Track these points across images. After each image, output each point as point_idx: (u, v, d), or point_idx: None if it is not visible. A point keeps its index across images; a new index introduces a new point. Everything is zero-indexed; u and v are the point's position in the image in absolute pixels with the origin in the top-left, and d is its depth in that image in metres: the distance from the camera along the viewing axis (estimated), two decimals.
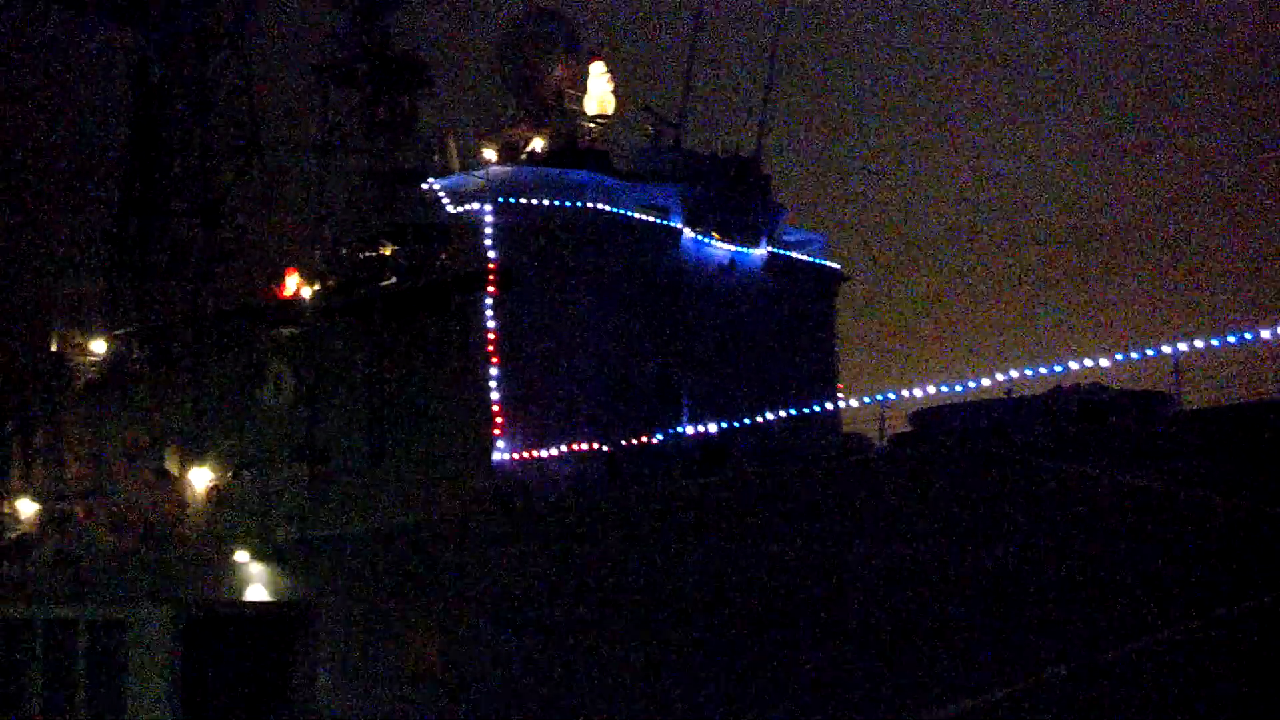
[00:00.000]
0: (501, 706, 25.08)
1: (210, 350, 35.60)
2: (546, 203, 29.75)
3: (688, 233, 31.70)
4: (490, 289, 28.65)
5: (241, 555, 29.96)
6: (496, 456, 27.82)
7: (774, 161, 35.49)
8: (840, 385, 34.93)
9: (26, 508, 39.07)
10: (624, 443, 26.58)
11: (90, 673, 23.18)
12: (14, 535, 38.90)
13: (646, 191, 31.84)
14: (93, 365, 39.34)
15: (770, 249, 33.44)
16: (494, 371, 28.29)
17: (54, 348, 41.38)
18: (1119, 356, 19.24)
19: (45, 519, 38.37)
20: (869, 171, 78.27)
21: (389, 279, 31.12)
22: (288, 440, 32.05)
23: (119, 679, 22.75)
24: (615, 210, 30.57)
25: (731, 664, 22.75)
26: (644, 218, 31.12)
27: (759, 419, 25.38)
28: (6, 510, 39.71)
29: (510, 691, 25.11)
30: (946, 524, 20.62)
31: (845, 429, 27.58)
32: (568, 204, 29.87)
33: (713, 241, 32.17)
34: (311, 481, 31.27)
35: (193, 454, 34.63)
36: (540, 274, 29.25)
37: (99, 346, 39.45)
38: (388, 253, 31.70)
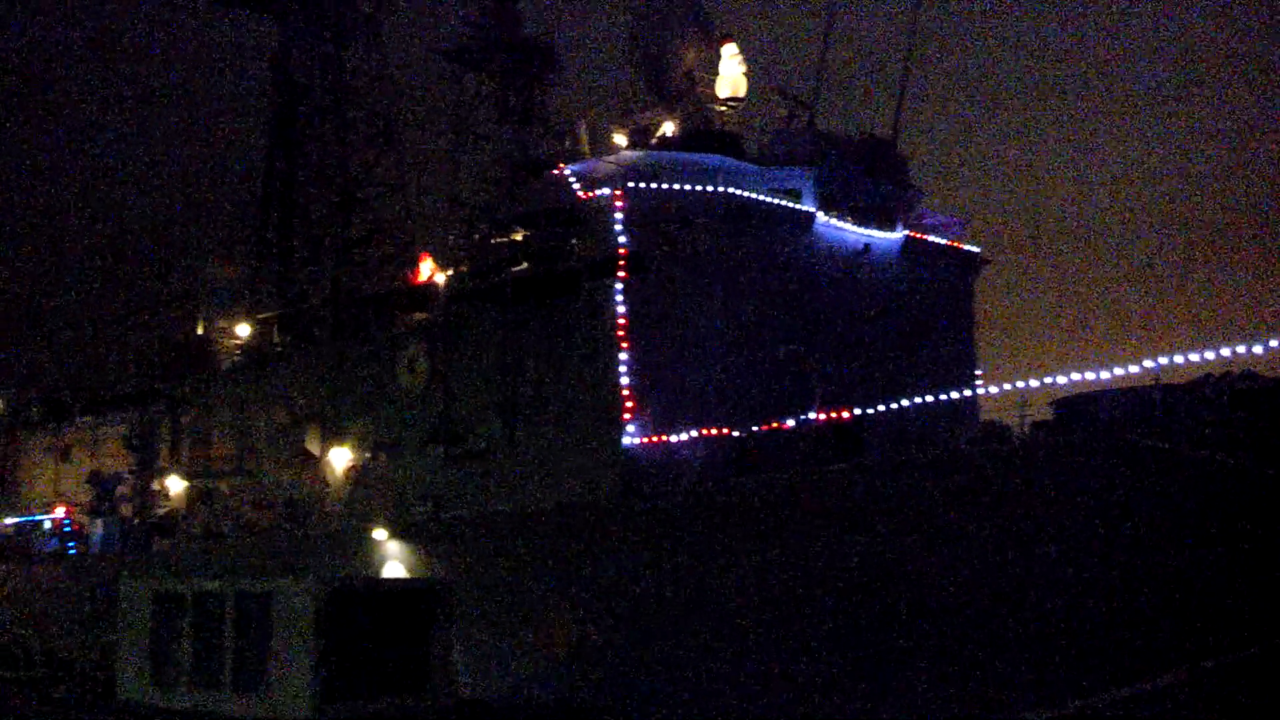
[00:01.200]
0: (631, 687, 25.29)
1: (348, 334, 36.41)
2: (677, 187, 29.75)
3: (821, 216, 31.42)
4: (621, 274, 28.78)
5: (379, 533, 30.59)
6: (626, 441, 27.98)
7: (911, 142, 34.98)
8: (979, 371, 34.36)
9: (176, 485, 40.39)
10: (754, 428, 26.57)
11: (236, 642, 23.88)
12: (164, 511, 40.24)
13: (778, 175, 31.66)
14: (237, 348, 40.52)
15: (906, 232, 33.00)
16: (624, 356, 28.42)
17: (200, 331, 42.78)
18: (1274, 343, 18.57)
19: (193, 496, 39.60)
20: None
21: (521, 264, 31.43)
22: (423, 423, 32.66)
23: (263, 648, 23.39)
24: (747, 194, 30.43)
25: (859, 655, 22.64)
26: (776, 202, 30.94)
27: (893, 405, 25.13)
28: (157, 487, 41.13)
29: (640, 673, 25.31)
30: (1091, 515, 20.25)
31: (984, 416, 27.17)
32: (699, 188, 29.83)
33: (847, 225, 31.87)
34: (446, 463, 31.82)
35: (332, 435, 35.45)
36: (671, 259, 29.28)
37: (243, 330, 40.62)
38: (519, 238, 32.01)
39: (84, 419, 46.17)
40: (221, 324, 41.46)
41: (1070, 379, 21.37)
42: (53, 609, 37.60)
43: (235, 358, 40.34)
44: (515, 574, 27.56)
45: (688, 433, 27.24)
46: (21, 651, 35.37)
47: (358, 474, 34.49)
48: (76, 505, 42.50)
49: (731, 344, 29.59)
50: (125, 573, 31.36)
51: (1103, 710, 19.75)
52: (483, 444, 31.10)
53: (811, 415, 26.60)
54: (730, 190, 30.17)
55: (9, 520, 44.52)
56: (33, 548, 41.58)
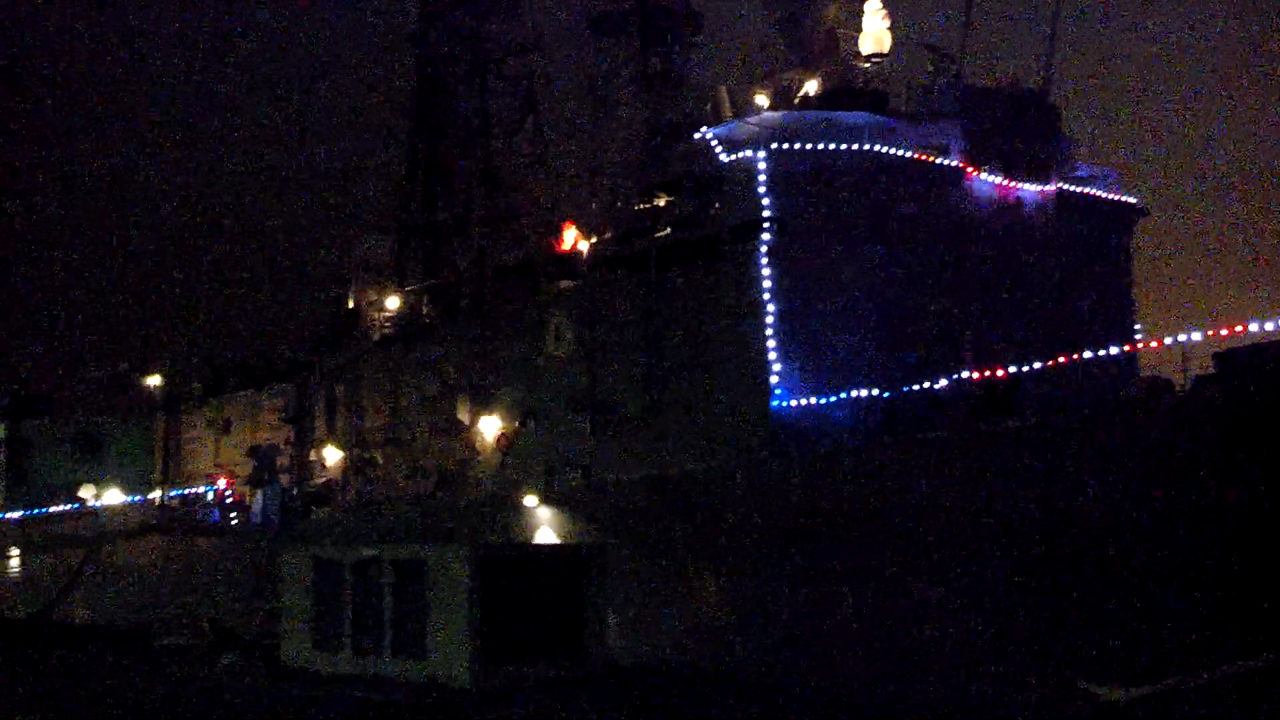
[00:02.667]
0: (782, 651, 25.10)
1: (495, 304, 36.74)
2: (821, 147, 29.32)
3: (971, 171, 30.68)
4: (766, 236, 28.49)
5: (530, 500, 30.87)
6: (774, 404, 27.74)
7: (1062, 93, 33.89)
8: (1138, 326, 33.24)
9: (332, 455, 41.32)
10: (904, 389, 26.11)
11: (394, 607, 24.23)
12: (322, 481, 41.23)
13: (926, 130, 30.99)
14: (387, 321, 41.21)
15: (1060, 185, 32.02)
16: (770, 319, 28.16)
17: (351, 305, 43.62)
18: None
19: (348, 466, 40.48)
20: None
21: (664, 230, 31.32)
22: (569, 390, 32.84)
23: (419, 613, 23.68)
24: (893, 151, 29.86)
25: (1020, 620, 22.11)
26: (924, 158, 30.30)
27: (1049, 362, 24.44)
28: (314, 458, 42.15)
29: (792, 636, 25.10)
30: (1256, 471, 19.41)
31: (1144, 372, 26.26)
32: (844, 147, 29.34)
33: (997, 179, 31.03)
34: (593, 429, 31.95)
35: (481, 404, 35.86)
36: (816, 219, 28.88)
37: (392, 303, 41.29)
38: (662, 204, 31.91)
39: (242, 393, 47.57)
40: (371, 298, 42.21)
41: (1233, 332, 20.53)
42: (217, 578, 38.80)
43: (386, 330, 41.04)
44: (665, 538, 27.54)
45: (836, 394, 26.87)
46: (189, 620, 36.56)
47: (508, 442, 34.83)
48: (237, 477, 43.78)
49: (880, 303, 29.09)
50: (286, 542, 32.17)
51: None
52: (629, 410, 31.14)
53: (963, 374, 26.04)
54: (876, 148, 29.62)
55: (174, 492, 46.04)
56: (196, 519, 42.94)
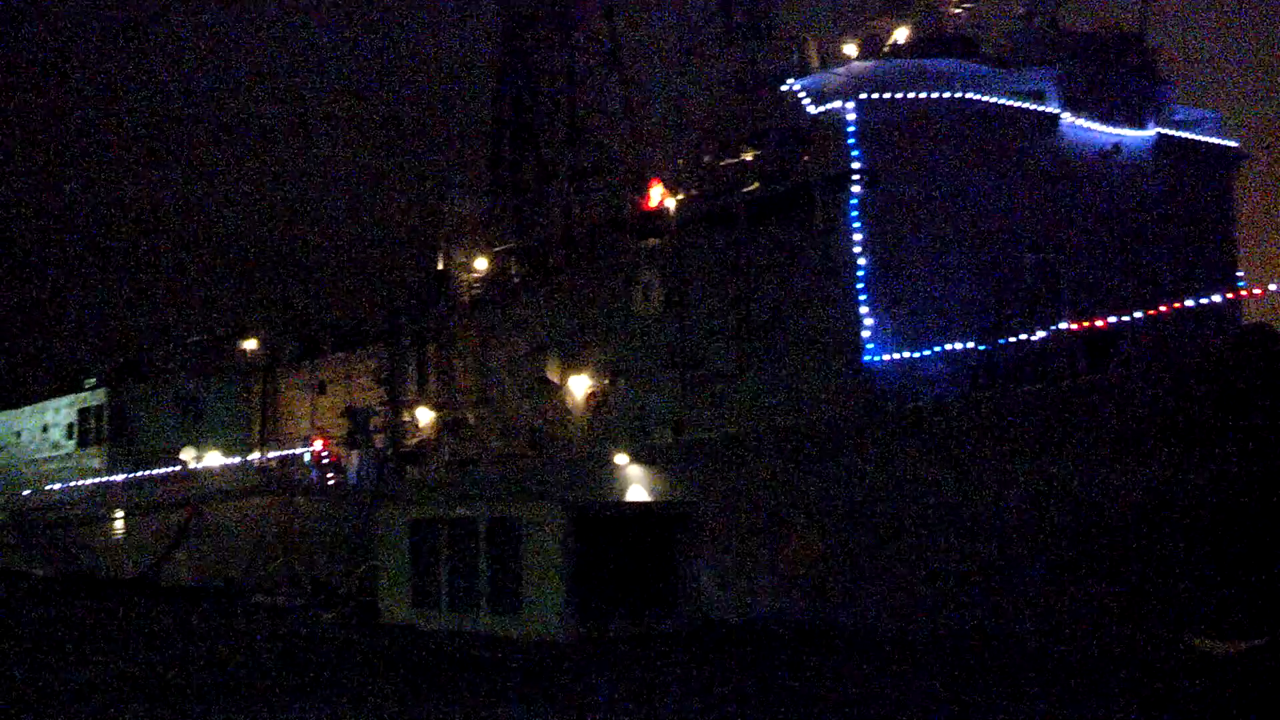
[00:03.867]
0: (878, 605, 24.95)
1: (583, 263, 36.74)
2: (912, 96, 28.80)
3: (1066, 117, 29.98)
4: (856, 189, 28.12)
5: (621, 458, 30.94)
6: (866, 359, 27.47)
7: (1160, 34, 32.96)
8: (1240, 273, 32.37)
9: (424, 416, 41.74)
10: (1001, 341, 25.70)
11: (489, 564, 24.50)
12: (415, 441, 41.68)
13: (1019, 76, 30.33)
14: (476, 281, 41.41)
15: (1158, 130, 31.19)
16: (862, 272, 27.83)
17: (441, 266, 43.90)
18: None
19: (441, 426, 40.86)
20: None
21: (751, 184, 31.04)
22: (659, 347, 32.79)
23: (514, 571, 23.94)
24: (985, 98, 29.28)
25: (1117, 580, 21.72)
26: (1017, 104, 29.68)
27: (1148, 312, 23.88)
28: (407, 418, 42.60)
29: (887, 591, 24.93)
30: None
31: (1247, 320, 25.54)
32: (934, 95, 28.81)
33: (1094, 125, 30.31)
34: (684, 387, 31.90)
35: (571, 362, 35.96)
36: (908, 170, 28.45)
37: (481, 263, 41.47)
38: (749, 158, 31.58)
39: (336, 355, 48.19)
40: (461, 258, 42.42)
41: None
42: (316, 537, 39.46)
43: (475, 290, 41.25)
44: (757, 495, 27.47)
45: (930, 347, 26.53)
46: (290, 578, 37.30)
47: (597, 400, 34.92)
48: (333, 438, 44.40)
49: (975, 254, 28.63)
50: (383, 502, 32.59)
51: None
52: (719, 366, 31.04)
53: (1061, 325, 25.55)
54: (968, 95, 29.08)
55: (272, 454, 46.84)
56: (294, 480, 43.66)
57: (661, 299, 33.03)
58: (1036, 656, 20.26)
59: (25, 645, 24.53)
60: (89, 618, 31.22)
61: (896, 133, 28.57)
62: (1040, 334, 25.15)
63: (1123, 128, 30.64)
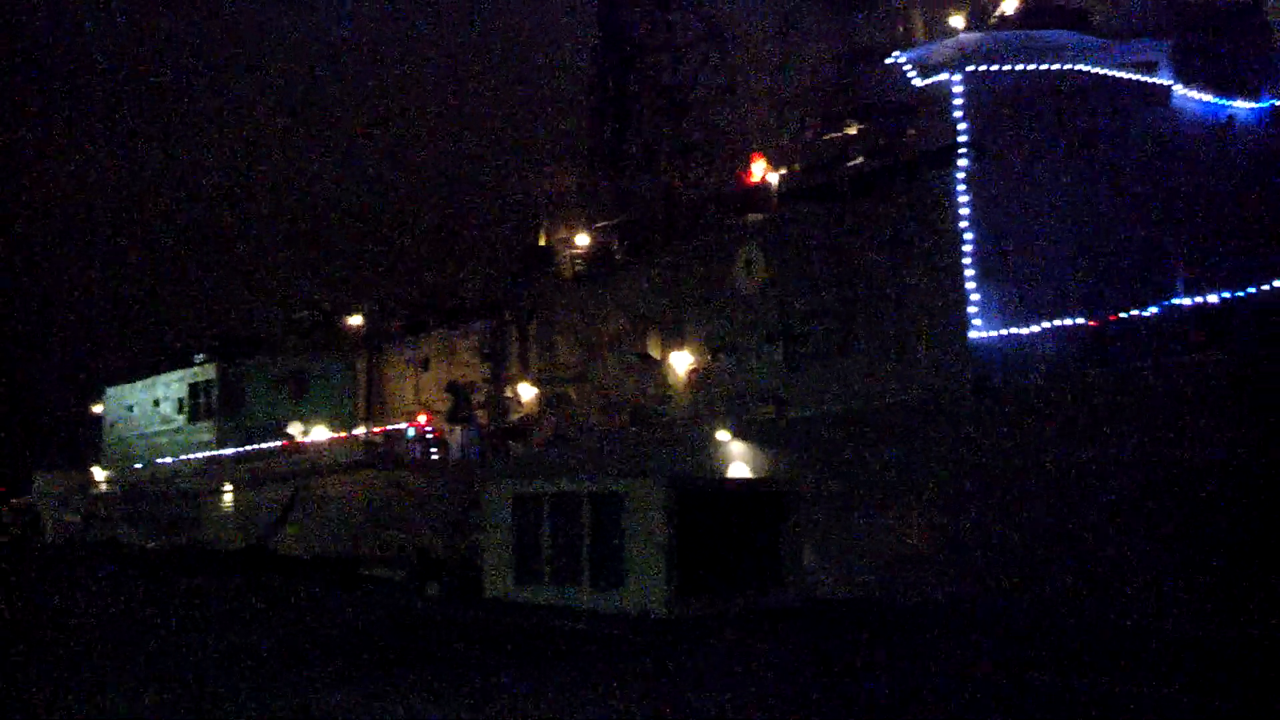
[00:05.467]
0: (980, 585, 24.68)
1: (684, 239, 36.70)
2: (1020, 68, 28.32)
3: (1178, 89, 29.27)
4: (963, 162, 27.73)
5: (722, 434, 30.91)
6: (973, 335, 27.11)
7: (1276, 4, 31.97)
8: None
9: (526, 391, 42.05)
10: (1110, 317, 25.21)
11: (591, 540, 24.61)
12: (517, 417, 42.01)
13: (1130, 47, 29.67)
14: (577, 257, 41.56)
15: (1273, 100, 30.32)
16: (968, 248, 27.46)
17: (542, 242, 44.13)
18: None
19: (543, 402, 41.13)
20: None
21: (855, 159, 30.75)
22: (761, 323, 32.67)
23: (616, 546, 24.01)
24: (1095, 70, 28.68)
25: (1226, 550, 21.25)
26: (1128, 76, 29.04)
27: (1264, 287, 23.28)
28: (509, 394, 42.95)
29: (989, 571, 24.64)
30: None
31: None
32: (1043, 67, 28.30)
33: (1207, 97, 29.54)
34: (786, 363, 31.76)
35: (672, 338, 35.97)
36: (1016, 143, 27.98)
37: (582, 239, 41.61)
38: (853, 132, 31.29)
39: (439, 331, 48.71)
40: (562, 234, 42.60)
41: None
42: (420, 511, 39.99)
43: (576, 266, 41.40)
44: (862, 472, 27.29)
45: (1038, 323, 26.10)
46: (395, 551, 37.84)
47: (699, 376, 34.91)
48: (436, 413, 44.91)
49: (1084, 229, 28.08)
50: (486, 477, 32.91)
51: None
52: (821, 342, 30.84)
53: (1172, 301, 24.99)
54: (1077, 67, 28.50)
55: (377, 429, 47.51)
56: (399, 454, 44.23)
57: (763, 275, 32.90)
58: (1142, 636, 19.91)
59: (138, 618, 25.20)
60: (199, 590, 31.98)
61: (1004, 105, 28.12)
62: (1151, 310, 24.62)
63: (1236, 99, 29.87)
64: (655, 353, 36.45)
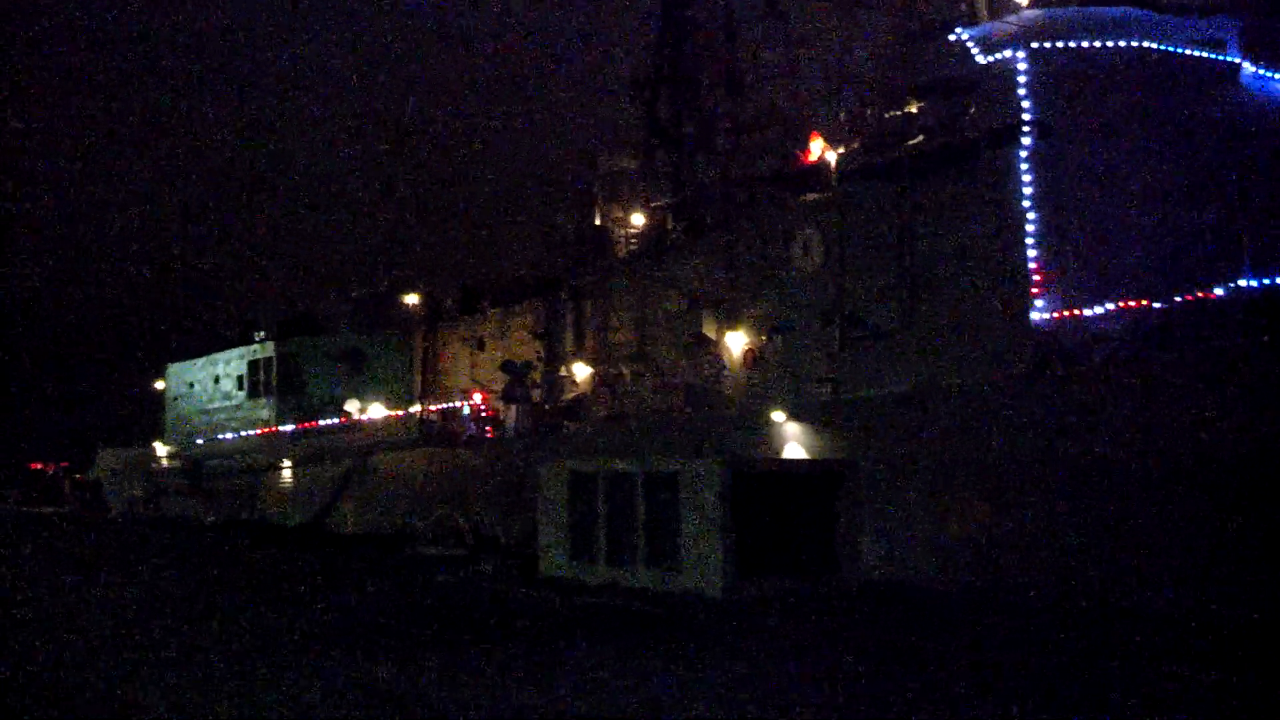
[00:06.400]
0: (1040, 572, 24.36)
1: (741, 218, 36.47)
2: (1086, 45, 27.85)
3: (1247, 67, 28.66)
4: (1026, 141, 27.31)
5: (778, 415, 30.72)
6: (1035, 316, 26.72)
7: None
8: None
9: (581, 371, 42.04)
10: (1178, 299, 24.76)
11: (647, 519, 24.58)
12: (571, 396, 42.02)
13: (1198, 24, 29.11)
14: (633, 237, 41.44)
15: None
16: (1031, 228, 27.06)
17: (598, 221, 44.03)
18: None
19: (598, 381, 41.09)
20: None
21: (916, 138, 30.37)
22: (818, 304, 32.41)
23: (672, 526, 23.96)
24: (1163, 47, 28.15)
25: None
26: (1197, 53, 28.46)
27: None
28: (564, 373, 42.97)
29: (1052, 558, 24.31)
30: None
31: None
32: (1109, 44, 27.81)
33: (1276, 75, 28.91)
34: (843, 344, 31.50)
35: (728, 319, 35.78)
36: (1081, 122, 27.51)
37: (638, 219, 41.46)
38: (914, 110, 30.89)
39: (494, 310, 48.79)
40: (617, 214, 42.47)
41: None
42: (475, 489, 40.12)
43: (632, 246, 41.29)
44: (920, 455, 27.01)
45: (1102, 305, 25.68)
46: (451, 528, 38.03)
47: (754, 357, 34.72)
48: (491, 392, 45.02)
49: (1151, 209, 27.58)
50: (541, 456, 32.93)
51: None
52: (879, 324, 30.55)
53: (1241, 283, 24.49)
54: (1145, 44, 27.99)
55: (433, 407, 47.72)
56: (454, 433, 44.41)
57: (821, 255, 32.64)
58: (1199, 632, 19.57)
59: (200, 592, 25.45)
60: (258, 565, 32.30)
61: (1069, 83, 27.67)
62: (1218, 291, 24.15)
63: None
64: (711, 333, 36.28)
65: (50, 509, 76.40)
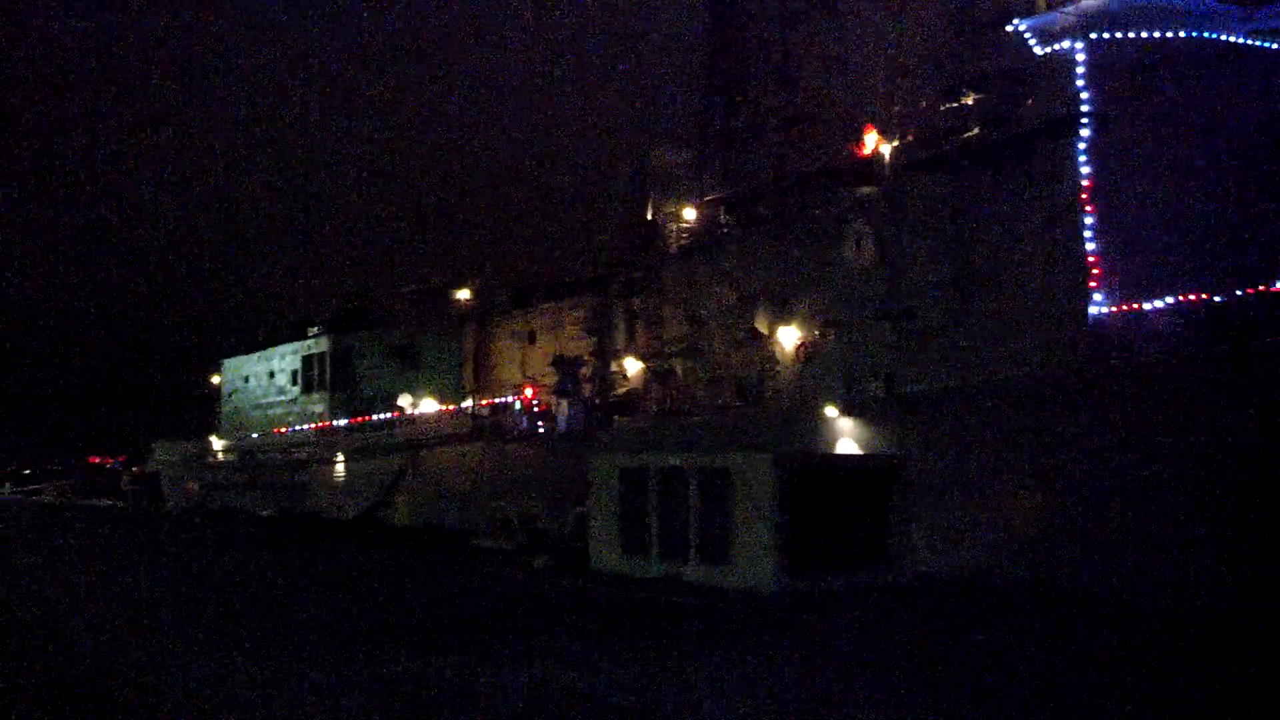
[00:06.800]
0: (1095, 566, 24.05)
1: (793, 212, 36.27)
2: (1144, 35, 27.44)
3: None
4: (1084, 133, 26.95)
5: (831, 410, 30.52)
6: (1092, 310, 26.38)
7: None
8: None
9: (632, 366, 42.00)
10: (1237, 292, 24.36)
11: (698, 515, 24.48)
12: (623, 391, 41.99)
13: (1261, 15, 28.59)
14: (685, 231, 41.32)
15: None
16: (1088, 220, 26.71)
17: (650, 216, 43.95)
18: None
19: (649, 376, 41.03)
20: None
21: (971, 130, 30.06)
22: (871, 298, 32.18)
23: (724, 521, 23.85)
24: (1222, 38, 27.68)
25: None
26: (1256, 44, 27.98)
27: None
28: (615, 368, 42.94)
29: (1105, 552, 24.00)
30: None
31: None
32: (1169, 35, 27.38)
33: None
34: (896, 338, 31.25)
35: (780, 313, 35.61)
36: (1139, 113, 27.14)
37: (689, 213, 41.35)
38: (969, 102, 30.57)
39: (546, 305, 48.87)
40: (669, 208, 42.38)
41: None
42: (527, 484, 40.17)
43: (684, 240, 41.19)
44: (974, 450, 26.73)
45: (1160, 299, 25.31)
46: (502, 523, 38.07)
47: (807, 351, 34.52)
48: (542, 387, 45.10)
49: (1209, 202, 27.15)
50: (593, 451, 32.91)
51: None
52: (933, 318, 30.28)
53: None
54: (1203, 35, 27.53)
55: (484, 401, 47.87)
56: (505, 427, 44.53)
57: (874, 249, 32.40)
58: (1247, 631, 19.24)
59: (257, 585, 25.64)
60: (312, 558, 32.51)
61: (1128, 74, 27.27)
62: (1279, 285, 23.74)
63: None
64: (763, 327, 36.12)
65: (107, 502, 77.43)
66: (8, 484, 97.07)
